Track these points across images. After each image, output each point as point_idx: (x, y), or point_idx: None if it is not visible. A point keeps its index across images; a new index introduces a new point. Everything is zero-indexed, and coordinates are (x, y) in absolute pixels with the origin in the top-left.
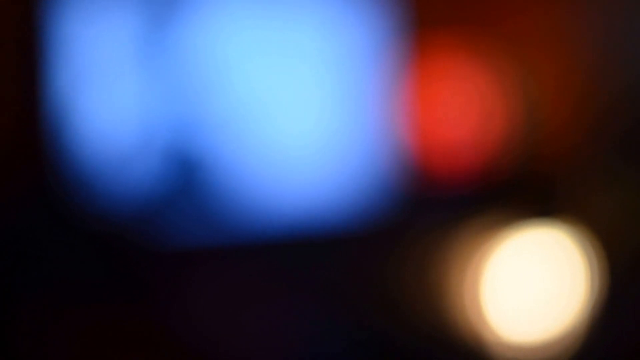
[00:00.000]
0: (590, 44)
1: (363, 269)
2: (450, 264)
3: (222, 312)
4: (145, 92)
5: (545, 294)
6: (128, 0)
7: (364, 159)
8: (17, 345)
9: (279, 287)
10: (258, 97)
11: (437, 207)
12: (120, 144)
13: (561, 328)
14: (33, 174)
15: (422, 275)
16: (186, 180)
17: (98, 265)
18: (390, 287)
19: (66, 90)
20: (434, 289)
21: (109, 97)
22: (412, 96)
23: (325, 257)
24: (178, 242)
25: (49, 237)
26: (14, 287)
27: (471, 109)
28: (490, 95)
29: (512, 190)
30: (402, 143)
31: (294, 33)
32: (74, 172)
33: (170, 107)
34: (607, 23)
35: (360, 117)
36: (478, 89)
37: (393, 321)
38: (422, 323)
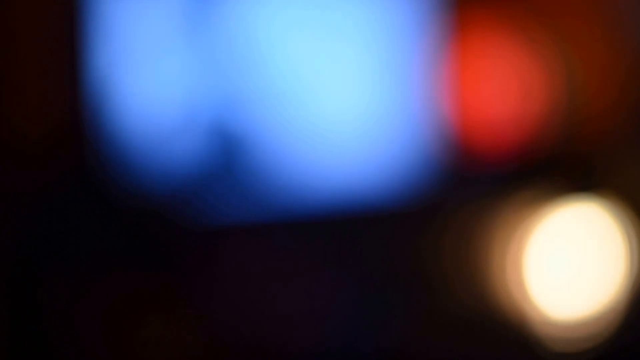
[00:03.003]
0: (633, 18)
1: (405, 245)
2: (491, 240)
3: (264, 289)
4: (187, 70)
5: (586, 269)
6: None
7: (406, 136)
8: (55, 326)
9: (319, 264)
10: (300, 73)
11: (479, 184)
12: (161, 121)
13: (602, 304)
14: (75, 151)
15: (464, 251)
16: (228, 157)
17: (138, 242)
18: (432, 263)
19: (108, 68)
20: (476, 265)
21: (151, 74)
22: (454, 72)
23: (366, 233)
24: (219, 219)
25: (91, 214)
26: (53, 262)
27: (512, 85)
28: (531, 71)
29: (553, 166)
30: (444, 119)
31: (336, 9)
32: (116, 150)
33: (212, 85)
34: None
35: (402, 93)
36: (519, 65)
37: (435, 298)
38: (464, 299)
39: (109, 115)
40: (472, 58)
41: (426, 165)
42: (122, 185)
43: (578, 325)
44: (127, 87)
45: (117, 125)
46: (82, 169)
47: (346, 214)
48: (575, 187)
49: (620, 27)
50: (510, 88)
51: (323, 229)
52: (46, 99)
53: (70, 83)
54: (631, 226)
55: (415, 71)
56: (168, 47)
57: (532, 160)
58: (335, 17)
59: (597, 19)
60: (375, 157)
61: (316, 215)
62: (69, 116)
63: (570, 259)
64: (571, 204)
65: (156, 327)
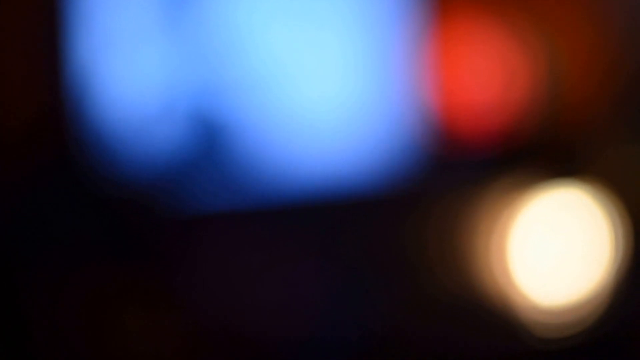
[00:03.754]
0: (615, 4)
1: (388, 232)
2: (475, 226)
3: (245, 277)
4: (167, 58)
5: (570, 255)
6: None
7: (388, 122)
8: (34, 315)
9: (302, 252)
10: (281, 60)
11: (461, 170)
12: (142, 109)
13: (586, 289)
14: (56, 140)
15: (447, 237)
16: (209, 145)
17: (119, 230)
18: (416, 249)
19: (88, 56)
20: (459, 251)
21: (131, 62)
22: (436, 59)
23: (349, 220)
24: (200, 207)
25: (71, 202)
26: (33, 251)
27: (495, 71)
28: (513, 57)
29: (536, 152)
30: (427, 106)
31: None
32: (96, 139)
33: (192, 73)
34: None
35: (384, 79)
36: (502, 51)
37: (419, 284)
38: (449, 286)
39: (89, 104)
40: (454, 44)
41: (409, 151)
42: (103, 174)
43: (563, 311)
44: (107, 75)
45: (98, 114)
46: (63, 158)
47: (329, 201)
48: (558, 173)
49: (603, 13)
50: (492, 74)
51: (305, 217)
52: (27, 88)
53: (51, 72)
54: (615, 212)
55: (398, 58)
56: (148, 36)
57: (515, 147)
58: (317, 4)
59: (580, 5)
60: (358, 144)
61: (298, 202)
62: (49, 105)
63: (554, 244)
64: (554, 189)
65: (138, 316)
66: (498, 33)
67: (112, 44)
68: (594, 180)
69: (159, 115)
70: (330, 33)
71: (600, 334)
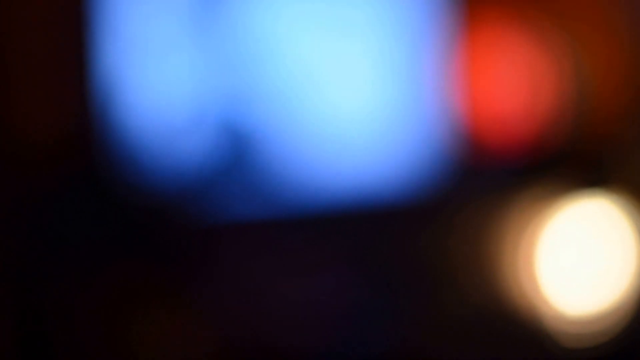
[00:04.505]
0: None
1: (416, 240)
2: (503, 235)
3: (270, 286)
4: (195, 67)
5: (597, 265)
6: None
7: (417, 131)
8: (61, 326)
9: (330, 262)
10: (311, 69)
11: (490, 179)
12: (170, 119)
13: (613, 300)
14: (84, 150)
15: (475, 246)
16: (237, 155)
17: (147, 240)
18: (443, 258)
19: (116, 65)
20: (487, 261)
21: (159, 72)
22: (465, 68)
23: (378, 230)
24: (226, 216)
25: (98, 212)
26: (61, 261)
27: (523, 80)
28: (541, 66)
29: (563, 162)
30: (455, 115)
31: (346, 5)
32: (124, 148)
33: (220, 82)
34: None
35: (413, 88)
36: (529, 60)
37: (447, 293)
38: (476, 294)
39: (117, 114)
40: (482, 53)
41: (438, 160)
42: (130, 184)
43: (589, 321)
44: (135, 85)
45: (126, 124)
46: (90, 168)
47: (356, 210)
48: (586, 182)
49: (629, 22)
50: (520, 83)
51: (333, 226)
52: (54, 98)
53: (78, 82)
54: None
55: (426, 67)
56: (176, 45)
57: (542, 156)
58: (345, 13)
59: (607, 15)
60: (387, 153)
61: (326, 212)
62: (77, 115)
63: (582, 254)
64: (582, 199)
65: (165, 325)
66: (526, 43)
67: (140, 53)
68: (620, 190)
69: (186, 125)
70: (359, 42)
71: (626, 344)
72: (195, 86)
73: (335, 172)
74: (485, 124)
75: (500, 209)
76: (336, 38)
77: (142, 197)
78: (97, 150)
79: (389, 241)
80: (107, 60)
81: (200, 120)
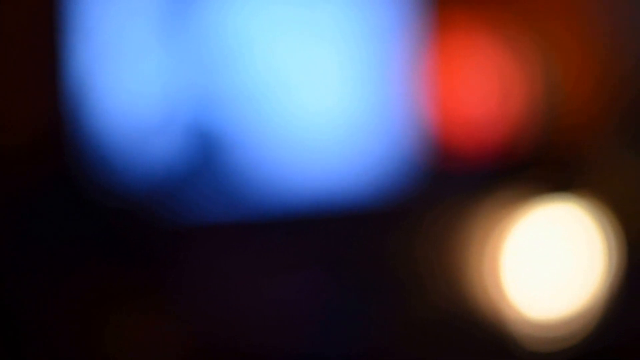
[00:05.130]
0: (611, 18)
1: (384, 243)
2: (470, 239)
3: (240, 288)
4: (166, 69)
5: (565, 269)
6: None
7: (385, 135)
8: (33, 326)
9: (297, 264)
10: (280, 72)
11: (458, 183)
12: (140, 120)
13: (580, 304)
14: (55, 151)
15: (443, 250)
16: (206, 156)
17: (117, 241)
18: (412, 263)
19: (87, 67)
20: (455, 264)
21: (129, 73)
22: (434, 72)
23: (347, 232)
24: (197, 218)
25: (70, 213)
26: (32, 262)
27: (492, 85)
28: (510, 71)
29: (532, 166)
30: (424, 119)
31: (316, 8)
32: (94, 149)
33: (191, 84)
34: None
35: (382, 92)
36: (499, 65)
37: (415, 296)
38: (444, 298)
39: (88, 115)
40: (452, 57)
41: (406, 164)
42: (101, 185)
43: (556, 325)
44: (106, 87)
45: (97, 125)
46: (62, 170)
47: (325, 213)
48: (554, 187)
49: (600, 27)
50: (490, 87)
51: (301, 229)
52: (26, 100)
53: (50, 83)
54: (609, 226)
55: (396, 70)
56: (147, 47)
57: (511, 160)
58: (315, 16)
59: (577, 19)
60: (355, 157)
61: (294, 214)
62: (48, 116)
63: (549, 258)
64: (549, 203)
65: (136, 327)
66: (496, 47)
67: (111, 55)
68: (589, 195)
69: (157, 127)
70: (328, 46)
71: (593, 348)
72: (166, 88)
73: (304, 175)
74: (454, 128)
75: (467, 213)
76: (306, 41)
77: (114, 198)
78: (69, 152)
79: (357, 244)
80: (79, 62)
81: (171, 122)
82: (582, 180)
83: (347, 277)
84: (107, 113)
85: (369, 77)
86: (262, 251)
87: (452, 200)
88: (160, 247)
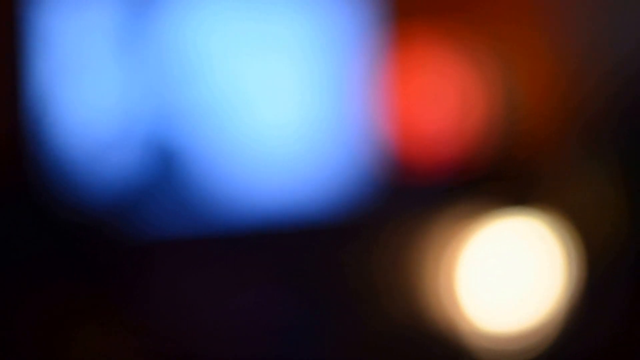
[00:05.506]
0: (570, 35)
1: (341, 258)
2: (429, 254)
3: (199, 303)
4: (124, 84)
5: (523, 283)
6: None
7: (344, 150)
8: None
9: (257, 278)
10: (238, 87)
11: (416, 197)
12: (99, 135)
13: (538, 318)
14: (13, 165)
15: (400, 265)
16: (166, 171)
17: (75, 255)
18: (369, 276)
19: (46, 82)
20: (413, 279)
21: (88, 88)
22: (392, 86)
23: (303, 247)
24: (156, 233)
25: (28, 227)
26: None
27: (450, 99)
28: (469, 86)
29: (491, 180)
30: (382, 133)
31: (274, 23)
32: (53, 163)
33: (149, 99)
34: (588, 14)
35: (340, 107)
36: (457, 80)
37: (371, 310)
38: (401, 312)
39: (47, 130)
40: (410, 71)
41: (364, 178)
42: (59, 199)
43: (514, 339)
44: (65, 101)
45: (55, 140)
46: (20, 184)
47: (283, 228)
48: (512, 201)
49: (560, 42)
50: (449, 101)
51: (259, 244)
52: None
53: (8, 97)
54: (568, 239)
55: (354, 85)
56: (106, 61)
57: (469, 174)
58: (274, 30)
59: (537, 34)
60: (314, 171)
61: (252, 229)
62: (7, 130)
63: (507, 272)
64: (508, 217)
65: (94, 341)
66: (455, 61)
67: (70, 70)
68: (547, 208)
69: (115, 141)
70: (287, 60)
71: None
72: (125, 102)
73: (263, 190)
74: (412, 142)
75: (425, 227)
76: (264, 55)
77: (72, 212)
78: (28, 166)
79: (316, 258)
80: (38, 76)
81: (130, 137)
82: (540, 194)
83: (306, 291)
84: (66, 127)
85: (328, 91)
86: (222, 266)
87: (410, 214)
88: (120, 262)
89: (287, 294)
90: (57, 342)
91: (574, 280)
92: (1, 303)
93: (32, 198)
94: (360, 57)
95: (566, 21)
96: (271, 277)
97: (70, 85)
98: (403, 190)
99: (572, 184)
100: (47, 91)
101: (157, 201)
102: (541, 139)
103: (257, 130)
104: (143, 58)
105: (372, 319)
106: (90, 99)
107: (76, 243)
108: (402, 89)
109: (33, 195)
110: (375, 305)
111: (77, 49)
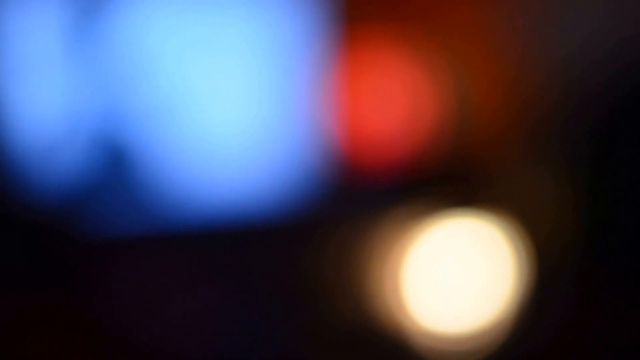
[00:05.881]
0: (520, 35)
1: (288, 258)
2: (376, 255)
3: (149, 300)
4: (73, 83)
5: (472, 284)
6: None
7: (291, 150)
8: None
9: (203, 277)
10: (186, 87)
11: (364, 198)
12: (48, 134)
13: (487, 319)
14: None
15: (348, 265)
16: (114, 170)
17: (27, 254)
18: (315, 277)
19: None
20: (360, 280)
21: (37, 87)
22: (341, 87)
23: (250, 246)
24: (106, 231)
25: None
26: None
27: (399, 101)
28: (418, 87)
29: (440, 181)
30: (330, 134)
31: (222, 24)
32: (3, 162)
33: (98, 98)
34: (537, 16)
35: (288, 108)
36: (407, 81)
37: (317, 311)
38: (348, 313)
39: None
40: (360, 72)
41: (312, 179)
42: (11, 198)
43: (462, 340)
44: (13, 100)
45: (5, 138)
46: None
47: (231, 227)
48: (461, 202)
49: (508, 43)
50: (398, 103)
51: (207, 242)
52: None
53: None
54: (517, 241)
55: (303, 85)
56: (55, 60)
57: (418, 175)
58: (222, 30)
59: (486, 35)
60: (261, 171)
61: (200, 228)
62: None
63: (456, 272)
64: (457, 218)
65: (49, 338)
66: (404, 62)
67: (19, 68)
68: (496, 209)
69: (66, 140)
70: (235, 61)
71: None
72: (74, 101)
73: (211, 189)
74: (361, 143)
75: (373, 228)
76: (213, 56)
77: (23, 211)
78: None
79: (264, 258)
80: None
81: (81, 135)
82: (489, 195)
83: (252, 289)
84: (16, 126)
85: (277, 92)
86: (169, 264)
87: (358, 215)
88: (66, 261)
89: (234, 293)
90: (12, 342)
91: (522, 280)
92: None
93: None
94: (309, 58)
95: (514, 23)
96: (218, 275)
97: (19, 84)
98: (351, 190)
99: (520, 184)
100: None
101: (106, 200)
102: (490, 139)
103: (206, 129)
104: (93, 56)
105: (318, 319)
106: (40, 97)
107: (28, 241)
108: (351, 89)
109: None
110: (321, 305)
111: (26, 47)
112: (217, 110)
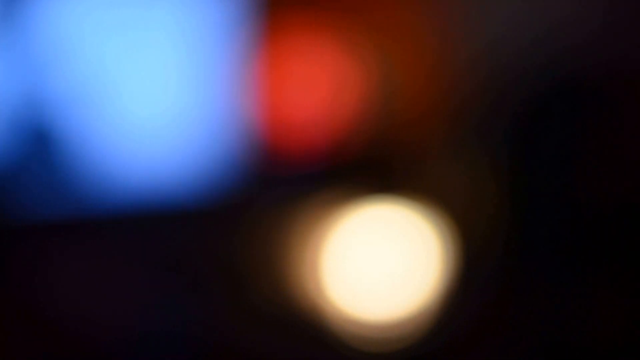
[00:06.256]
0: (443, 24)
1: (208, 244)
2: (296, 241)
3: (72, 284)
4: None
5: (393, 271)
6: None
7: (212, 135)
8: None
9: (126, 261)
10: (109, 72)
11: (284, 184)
12: None
13: (410, 306)
14: None
15: (267, 251)
16: (37, 154)
17: None
18: (235, 262)
19: None
20: (281, 266)
21: None
22: (263, 73)
23: (171, 231)
24: (28, 215)
25: None
26: None
27: (323, 86)
28: (341, 72)
29: (361, 168)
30: (251, 120)
31: (146, 9)
32: None
33: (22, 82)
34: (460, 5)
35: (210, 93)
36: (329, 65)
37: (238, 297)
38: (268, 297)
39: None
40: (282, 58)
41: (232, 164)
42: None
43: (388, 327)
44: None
45: None
46: None
47: (154, 211)
48: (383, 189)
49: (433, 33)
50: (320, 89)
51: (130, 226)
52: None
53: None
54: (442, 228)
55: (224, 71)
56: None
57: (339, 161)
58: (146, 15)
59: (410, 20)
60: (183, 157)
61: (123, 212)
62: None
63: (379, 260)
64: (378, 205)
65: None
66: (328, 47)
67: None
68: (420, 197)
69: None
70: (158, 45)
71: (425, 350)
72: None
73: (134, 174)
74: (282, 130)
75: (294, 214)
76: (137, 41)
77: None
78: None
79: (187, 243)
80: None
81: (3, 120)
82: (412, 182)
83: (175, 274)
84: None
85: (198, 77)
86: (91, 248)
87: (278, 201)
88: None
89: (156, 277)
90: None
91: (447, 268)
92: None
93: None
94: (231, 44)
95: (437, 11)
96: (140, 259)
97: None
98: (272, 176)
99: (442, 171)
100: None
101: (29, 184)
102: (412, 127)
103: (129, 115)
104: (15, 40)
105: (240, 304)
106: None
107: None
108: (273, 75)
109: None
110: (243, 291)
111: None
112: (140, 95)
